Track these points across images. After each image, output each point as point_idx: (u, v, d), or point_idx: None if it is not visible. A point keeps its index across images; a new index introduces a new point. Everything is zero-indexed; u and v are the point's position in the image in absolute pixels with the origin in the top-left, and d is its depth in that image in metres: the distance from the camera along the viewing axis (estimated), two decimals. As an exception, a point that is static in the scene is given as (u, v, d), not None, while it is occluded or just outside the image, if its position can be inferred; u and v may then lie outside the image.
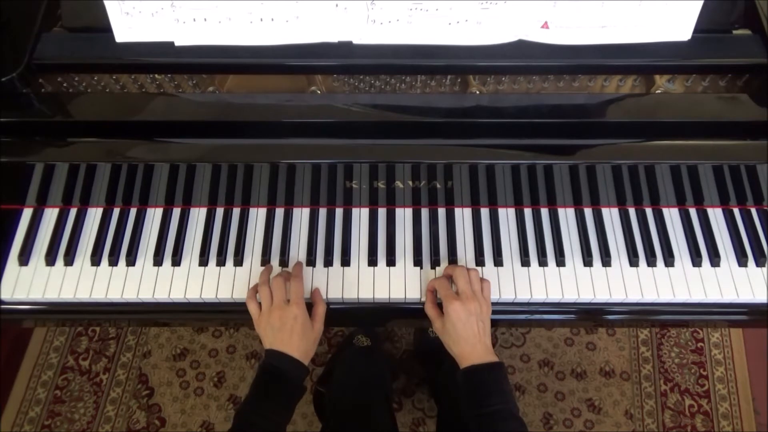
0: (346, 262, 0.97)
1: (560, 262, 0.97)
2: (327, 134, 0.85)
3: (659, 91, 0.89)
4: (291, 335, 0.86)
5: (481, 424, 0.81)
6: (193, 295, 0.95)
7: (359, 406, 1.09)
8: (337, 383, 1.22)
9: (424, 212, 1.01)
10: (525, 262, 0.97)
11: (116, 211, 1.02)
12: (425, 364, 1.61)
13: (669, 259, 0.97)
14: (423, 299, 0.95)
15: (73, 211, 1.02)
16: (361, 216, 1.01)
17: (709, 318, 0.99)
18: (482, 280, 0.92)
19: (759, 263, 0.97)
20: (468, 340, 0.85)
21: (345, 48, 0.87)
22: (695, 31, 0.86)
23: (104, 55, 0.88)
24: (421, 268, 0.97)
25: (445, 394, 1.16)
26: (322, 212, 1.01)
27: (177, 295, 0.95)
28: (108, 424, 1.63)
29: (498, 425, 0.80)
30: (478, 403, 0.82)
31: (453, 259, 0.97)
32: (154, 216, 1.02)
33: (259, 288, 0.91)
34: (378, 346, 1.60)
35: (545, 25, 0.86)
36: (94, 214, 1.02)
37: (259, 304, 0.91)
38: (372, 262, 0.97)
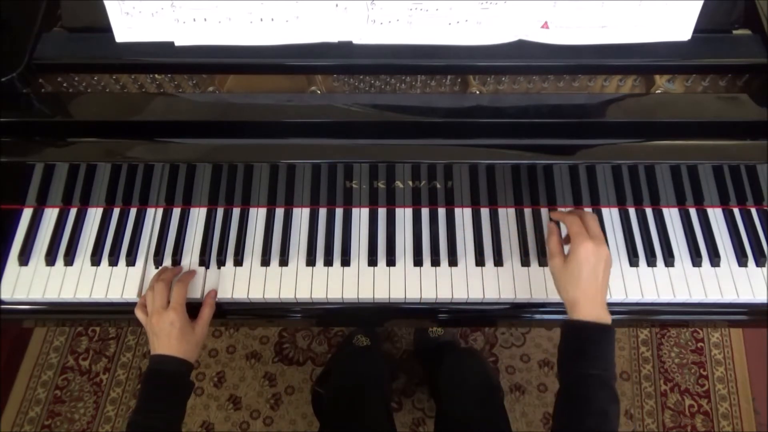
0: (346, 262, 0.97)
1: (560, 262, 0.97)
2: (327, 134, 0.85)
3: (659, 91, 0.89)
4: (169, 339, 0.87)
5: (574, 382, 0.79)
6: (195, 295, 0.95)
7: (356, 406, 1.09)
8: (334, 384, 1.22)
9: (424, 212, 1.01)
10: (525, 262, 0.97)
11: (116, 211, 1.02)
12: (425, 363, 1.61)
13: (669, 259, 0.97)
14: (422, 299, 0.95)
15: (73, 211, 1.02)
16: (361, 216, 1.01)
17: (709, 318, 0.99)
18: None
19: (759, 263, 0.97)
20: (590, 285, 0.81)
21: (345, 48, 0.87)
22: (695, 31, 0.86)
23: (104, 55, 0.88)
24: (421, 267, 0.97)
25: (445, 394, 1.16)
26: (322, 212, 1.01)
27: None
28: (108, 424, 1.63)
29: (589, 390, 0.77)
30: (577, 361, 0.79)
31: (453, 259, 0.97)
32: (154, 216, 1.02)
33: (146, 294, 0.92)
34: (377, 346, 1.60)
35: (545, 25, 0.86)
36: (94, 214, 1.02)
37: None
38: (372, 262, 0.97)
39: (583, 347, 0.80)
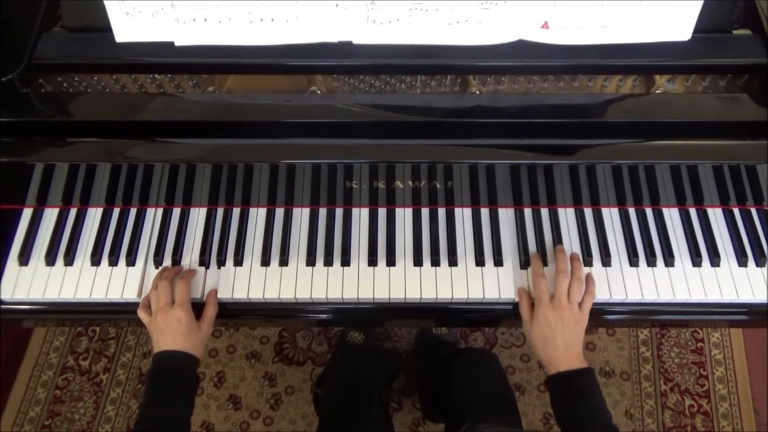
0: (346, 262, 0.97)
1: (560, 262, 0.97)
2: (327, 134, 0.85)
3: (659, 91, 0.89)
4: (175, 336, 0.87)
5: (571, 429, 0.83)
6: (195, 295, 0.95)
7: (351, 405, 1.09)
8: (330, 384, 1.22)
9: (424, 212, 1.01)
10: (525, 262, 0.97)
11: (116, 211, 1.02)
12: (424, 364, 1.60)
13: (669, 259, 0.97)
14: (422, 299, 0.95)
15: (73, 211, 1.02)
16: (361, 216, 1.01)
17: (709, 318, 0.99)
18: (586, 293, 0.91)
19: (759, 263, 0.97)
20: (557, 344, 0.85)
21: (345, 48, 0.87)
22: (695, 31, 0.86)
23: (104, 55, 0.88)
24: (422, 267, 0.97)
25: (459, 397, 1.11)
26: (322, 212, 1.01)
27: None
28: (108, 424, 1.63)
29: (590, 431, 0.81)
30: (568, 409, 0.84)
31: (453, 259, 0.97)
32: (154, 216, 1.02)
33: (150, 293, 0.92)
34: (373, 344, 1.60)
35: (545, 25, 0.86)
36: (94, 214, 1.02)
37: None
38: (372, 262, 0.97)
39: (567, 395, 0.84)
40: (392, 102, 0.87)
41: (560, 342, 0.85)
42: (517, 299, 0.95)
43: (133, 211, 1.02)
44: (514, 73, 0.90)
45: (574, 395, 0.84)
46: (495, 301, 0.95)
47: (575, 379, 0.84)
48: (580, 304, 0.89)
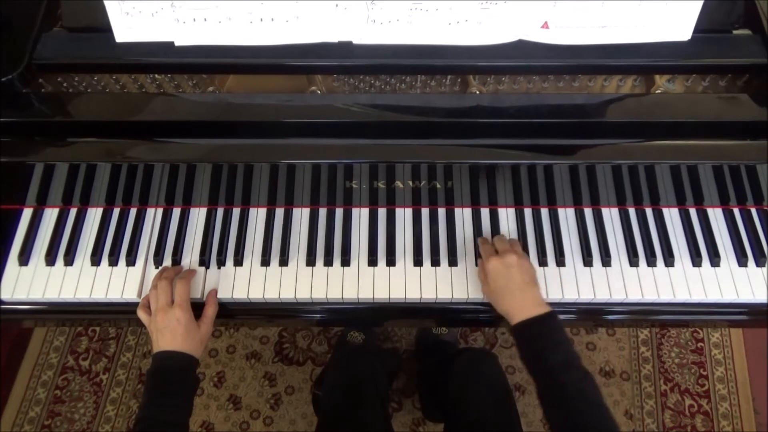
0: (346, 262, 0.97)
1: (560, 262, 0.97)
2: (327, 134, 0.85)
3: (659, 91, 0.89)
4: (174, 336, 0.87)
5: (542, 378, 0.81)
6: (195, 295, 0.95)
7: (350, 405, 1.09)
8: (330, 383, 1.22)
9: (424, 212, 1.01)
10: (525, 262, 0.97)
11: (116, 211, 1.02)
12: (425, 364, 1.60)
13: (669, 259, 0.97)
14: (422, 299, 0.95)
15: (73, 211, 1.02)
16: (361, 216, 1.01)
17: (709, 318, 0.99)
18: (511, 241, 0.95)
19: (759, 263, 0.97)
20: (512, 291, 0.86)
21: (345, 48, 0.87)
22: (695, 31, 0.86)
23: (104, 55, 0.88)
24: (422, 267, 0.97)
25: (459, 398, 1.11)
26: (322, 212, 1.01)
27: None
28: (108, 424, 1.63)
29: (557, 378, 0.79)
30: (534, 358, 0.83)
31: (453, 259, 0.97)
32: (154, 216, 1.02)
33: (149, 293, 0.92)
34: (372, 344, 1.60)
35: (545, 25, 0.86)
36: (94, 214, 1.02)
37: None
38: (372, 262, 0.97)
39: (532, 344, 0.83)
40: (392, 102, 0.87)
41: (513, 287, 0.86)
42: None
43: (133, 211, 1.02)
44: (514, 73, 0.90)
45: (538, 340, 0.82)
46: (495, 301, 0.95)
47: (537, 324, 0.83)
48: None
